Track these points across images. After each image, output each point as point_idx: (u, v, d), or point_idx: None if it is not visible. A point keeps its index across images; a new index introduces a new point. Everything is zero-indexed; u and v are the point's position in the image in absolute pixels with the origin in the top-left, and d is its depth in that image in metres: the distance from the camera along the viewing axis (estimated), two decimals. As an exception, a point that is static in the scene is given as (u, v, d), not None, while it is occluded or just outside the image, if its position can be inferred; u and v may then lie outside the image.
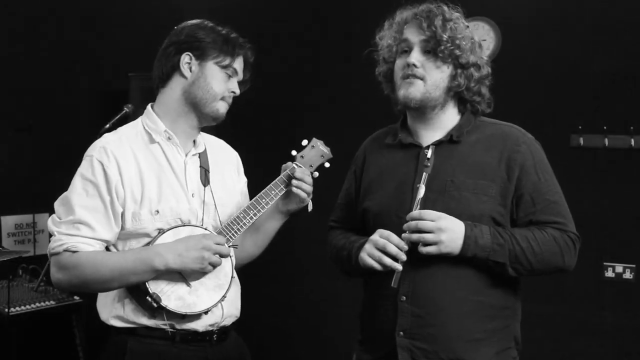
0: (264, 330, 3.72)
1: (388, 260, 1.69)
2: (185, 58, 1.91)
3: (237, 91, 1.97)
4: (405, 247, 1.68)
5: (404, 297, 1.73)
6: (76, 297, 3.31)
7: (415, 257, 1.69)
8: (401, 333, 1.73)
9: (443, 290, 1.71)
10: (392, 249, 1.69)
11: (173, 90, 1.94)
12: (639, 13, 3.06)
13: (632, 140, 3.06)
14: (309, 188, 1.99)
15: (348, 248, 1.88)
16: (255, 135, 3.83)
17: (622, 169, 3.11)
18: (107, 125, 2.80)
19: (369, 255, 1.74)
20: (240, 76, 1.98)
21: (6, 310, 3.00)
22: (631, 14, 3.07)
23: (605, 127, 3.10)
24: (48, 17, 3.79)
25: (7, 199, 3.62)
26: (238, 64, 1.95)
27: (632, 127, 3.06)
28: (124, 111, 2.95)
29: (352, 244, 1.87)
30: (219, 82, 1.93)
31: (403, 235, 1.69)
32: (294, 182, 1.96)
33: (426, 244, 1.66)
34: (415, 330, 1.72)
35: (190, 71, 1.92)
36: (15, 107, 3.65)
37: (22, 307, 3.13)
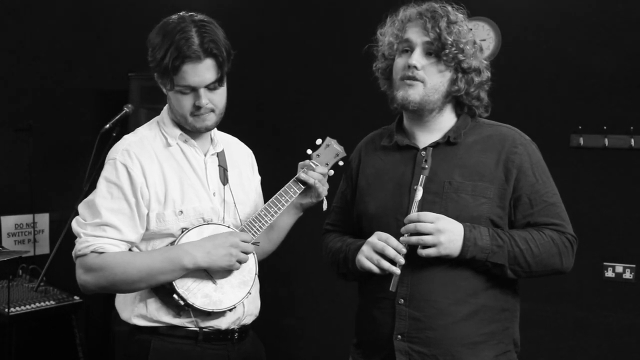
0: (264, 330, 3.72)
1: (386, 264, 1.66)
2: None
3: (202, 104, 1.79)
4: (404, 250, 1.66)
5: (402, 300, 1.71)
6: (76, 297, 3.32)
7: (413, 259, 1.66)
8: (399, 336, 1.71)
9: (441, 293, 1.69)
10: (391, 252, 1.66)
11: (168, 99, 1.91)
12: (639, 13, 3.06)
13: (632, 140, 3.05)
14: (327, 185, 2.03)
15: (345, 251, 1.86)
16: (261, 134, 3.82)
17: (622, 169, 3.10)
18: (107, 125, 2.79)
19: (367, 258, 1.71)
20: (202, 83, 1.78)
21: (6, 310, 3.00)
22: (631, 14, 3.07)
23: (605, 127, 3.10)
24: (48, 17, 3.79)
25: (7, 199, 3.63)
26: (188, 77, 1.76)
27: (632, 127, 3.05)
28: (124, 111, 2.94)
29: (348, 246, 1.85)
30: (178, 102, 1.82)
31: (401, 238, 1.67)
32: (313, 177, 1.98)
33: (425, 247, 1.64)
34: (414, 333, 1.70)
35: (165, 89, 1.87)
36: (15, 107, 3.65)
37: (22, 307, 3.13)
